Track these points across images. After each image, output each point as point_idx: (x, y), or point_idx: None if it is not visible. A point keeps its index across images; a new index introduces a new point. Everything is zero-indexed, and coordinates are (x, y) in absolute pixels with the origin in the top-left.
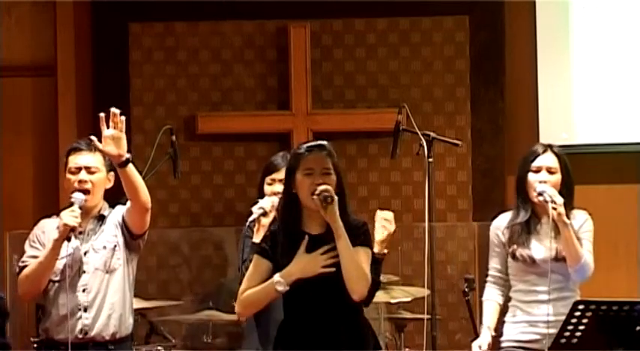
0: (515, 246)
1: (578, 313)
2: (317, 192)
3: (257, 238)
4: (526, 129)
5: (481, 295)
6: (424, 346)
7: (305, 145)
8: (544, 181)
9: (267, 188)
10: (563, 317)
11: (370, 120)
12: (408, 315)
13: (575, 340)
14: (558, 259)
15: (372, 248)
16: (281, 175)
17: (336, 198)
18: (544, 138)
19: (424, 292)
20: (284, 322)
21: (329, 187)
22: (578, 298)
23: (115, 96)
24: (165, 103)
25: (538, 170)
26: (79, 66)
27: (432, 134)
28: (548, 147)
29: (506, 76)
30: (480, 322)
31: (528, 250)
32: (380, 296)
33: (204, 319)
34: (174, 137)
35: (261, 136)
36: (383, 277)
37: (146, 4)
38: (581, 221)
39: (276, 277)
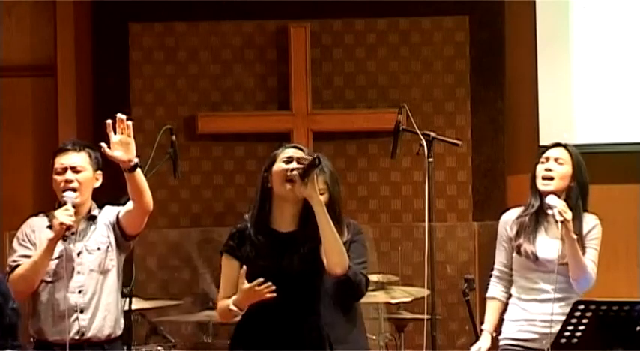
0: (521, 240)
1: (578, 313)
2: (291, 170)
3: None
4: (526, 129)
5: (481, 296)
6: (424, 346)
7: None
8: (549, 169)
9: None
10: (563, 316)
11: (370, 120)
12: (408, 315)
13: (575, 340)
14: (563, 262)
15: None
16: None
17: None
18: (544, 138)
19: (424, 292)
20: (243, 323)
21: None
22: (578, 297)
23: (115, 96)
24: (165, 103)
25: (546, 160)
26: (79, 66)
27: (432, 134)
28: (560, 143)
29: (507, 76)
30: (481, 322)
31: (533, 246)
32: (380, 296)
33: (204, 319)
34: (174, 137)
35: (261, 136)
36: (383, 277)
37: (146, 4)
38: (590, 227)
39: (230, 305)
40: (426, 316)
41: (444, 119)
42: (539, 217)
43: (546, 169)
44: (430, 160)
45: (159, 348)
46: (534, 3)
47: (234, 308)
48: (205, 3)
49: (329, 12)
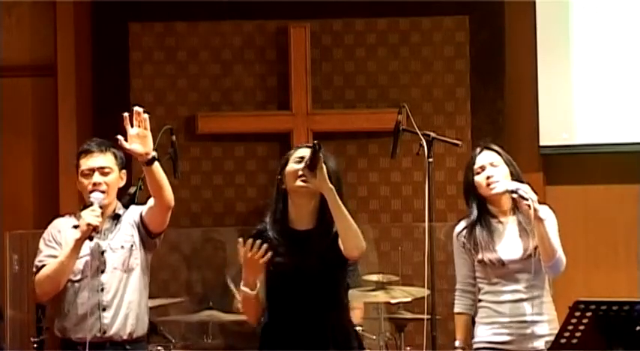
0: (481, 254)
1: (578, 313)
2: (301, 167)
3: None
4: (526, 129)
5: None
6: (424, 346)
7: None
8: (491, 175)
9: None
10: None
11: (370, 120)
12: (408, 315)
13: (575, 340)
14: (526, 257)
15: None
16: None
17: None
18: (544, 138)
19: (424, 292)
20: (268, 323)
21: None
22: (549, 295)
23: (115, 96)
24: (165, 103)
25: (482, 168)
26: (79, 66)
27: (432, 134)
28: (484, 147)
29: (506, 76)
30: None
31: (496, 253)
32: (380, 296)
33: (204, 319)
34: (174, 137)
35: (261, 136)
36: (383, 277)
37: (146, 4)
38: (545, 216)
39: (242, 286)
40: (426, 316)
41: (444, 119)
42: (487, 223)
43: (488, 176)
44: (430, 160)
45: (159, 348)
46: (534, 3)
47: (244, 289)
48: (205, 3)
49: (329, 12)
